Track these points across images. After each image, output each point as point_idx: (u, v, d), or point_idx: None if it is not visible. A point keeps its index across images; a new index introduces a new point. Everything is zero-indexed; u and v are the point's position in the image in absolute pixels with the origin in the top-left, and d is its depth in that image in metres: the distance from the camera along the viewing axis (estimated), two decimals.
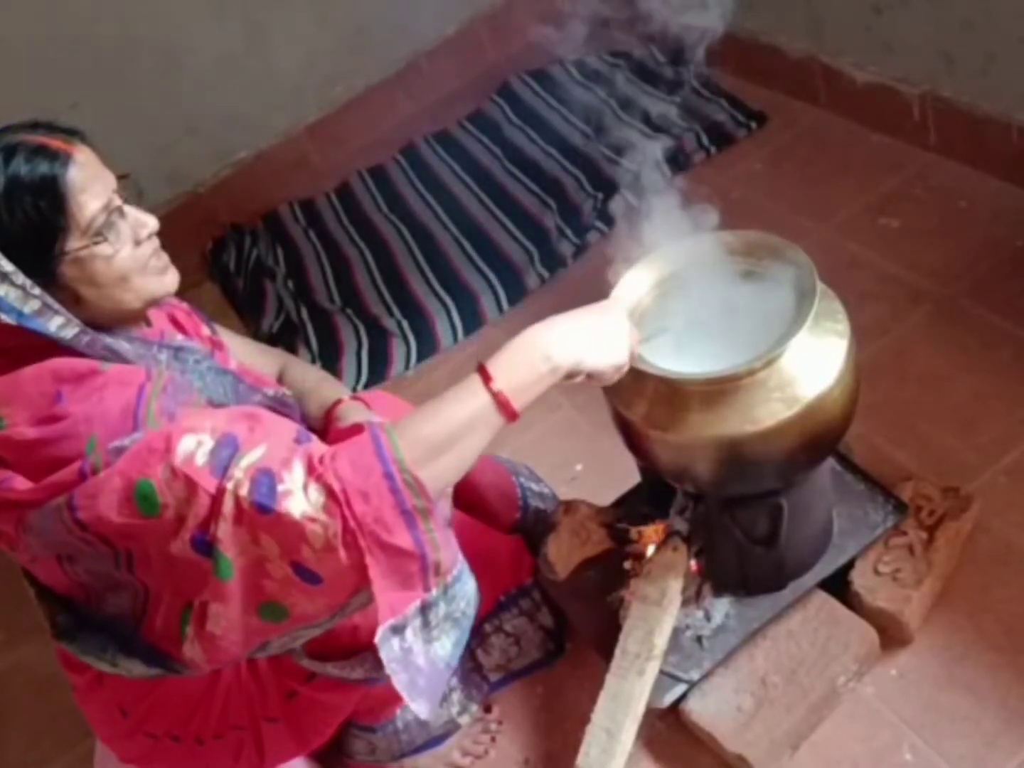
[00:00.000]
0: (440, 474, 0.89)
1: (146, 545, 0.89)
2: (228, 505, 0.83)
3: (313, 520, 0.83)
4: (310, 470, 0.84)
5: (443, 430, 0.89)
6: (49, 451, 0.88)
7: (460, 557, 0.95)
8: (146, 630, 0.96)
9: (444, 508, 0.92)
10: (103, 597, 0.97)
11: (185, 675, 0.99)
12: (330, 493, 0.83)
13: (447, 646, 0.94)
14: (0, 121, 0.95)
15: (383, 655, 0.88)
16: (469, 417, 0.90)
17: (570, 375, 0.95)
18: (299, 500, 0.83)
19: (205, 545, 0.85)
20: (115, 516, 0.85)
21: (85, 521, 0.86)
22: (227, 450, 0.85)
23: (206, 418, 0.89)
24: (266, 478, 0.84)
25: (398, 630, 0.88)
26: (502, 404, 0.90)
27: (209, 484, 0.84)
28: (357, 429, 0.97)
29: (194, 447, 0.85)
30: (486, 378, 0.91)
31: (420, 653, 0.91)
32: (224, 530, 0.84)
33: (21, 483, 0.89)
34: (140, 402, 0.89)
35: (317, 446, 0.90)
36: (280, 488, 0.83)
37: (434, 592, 0.90)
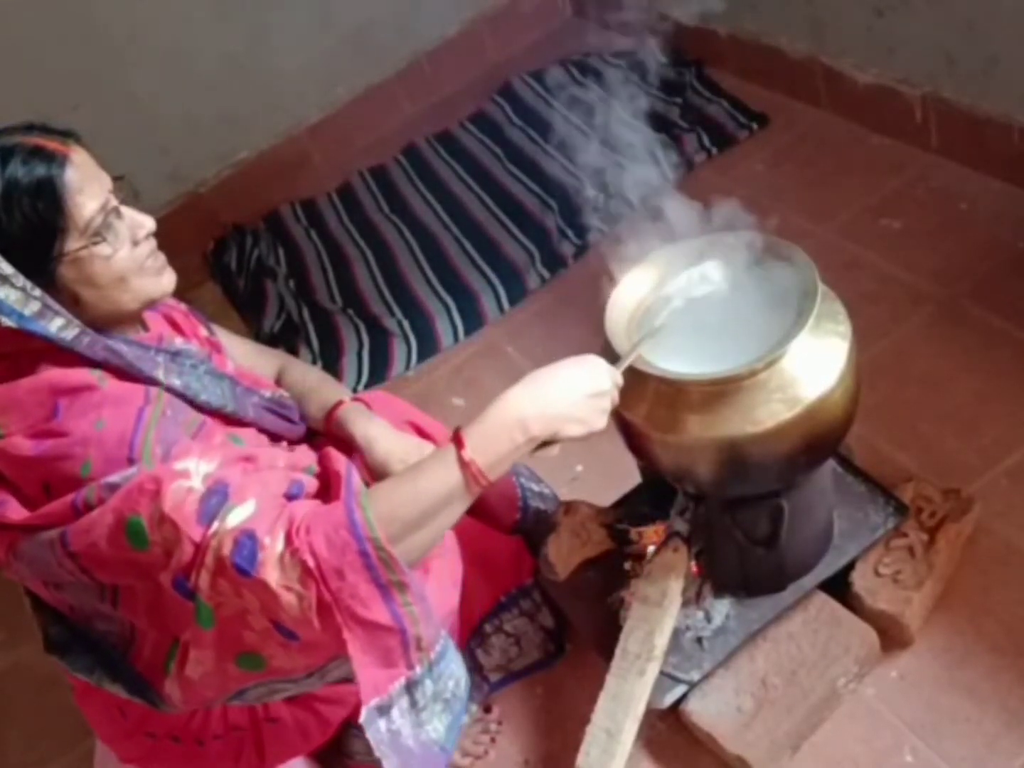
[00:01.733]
0: (415, 548, 0.90)
1: (133, 581, 0.90)
2: (210, 559, 0.85)
3: (288, 590, 0.84)
4: (288, 541, 0.85)
5: (418, 507, 0.90)
6: (45, 470, 0.89)
7: (444, 633, 0.95)
8: (135, 656, 0.98)
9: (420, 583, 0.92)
10: (90, 620, 0.99)
11: (162, 710, 1.00)
12: (305, 568, 0.84)
13: (440, 729, 0.94)
14: (2, 122, 0.95)
15: (370, 737, 0.88)
16: (444, 494, 0.91)
17: (546, 443, 0.95)
18: (275, 570, 0.84)
19: (187, 591, 0.86)
20: (107, 549, 0.87)
21: (76, 552, 0.88)
22: (216, 498, 0.86)
23: (202, 459, 0.89)
24: (249, 541, 0.84)
25: (384, 710, 0.89)
26: (476, 478, 0.91)
27: (195, 532, 0.85)
28: (336, 477, 0.98)
29: (184, 494, 0.86)
30: (466, 454, 0.90)
31: (410, 736, 0.91)
32: (205, 580, 0.85)
33: (15, 510, 0.91)
34: (138, 429, 0.90)
35: (301, 507, 0.90)
36: (260, 555, 0.84)
37: (418, 670, 0.90)
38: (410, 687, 0.91)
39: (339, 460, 1.04)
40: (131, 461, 0.88)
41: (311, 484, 0.99)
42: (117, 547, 0.87)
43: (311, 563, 0.84)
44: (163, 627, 0.93)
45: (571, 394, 0.95)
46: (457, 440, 0.91)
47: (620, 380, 1.00)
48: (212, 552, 0.85)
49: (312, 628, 0.86)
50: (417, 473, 0.93)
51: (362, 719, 0.87)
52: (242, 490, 0.88)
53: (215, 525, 0.85)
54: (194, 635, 0.90)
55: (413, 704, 0.92)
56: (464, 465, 0.90)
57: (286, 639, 0.88)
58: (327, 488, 0.99)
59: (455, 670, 0.97)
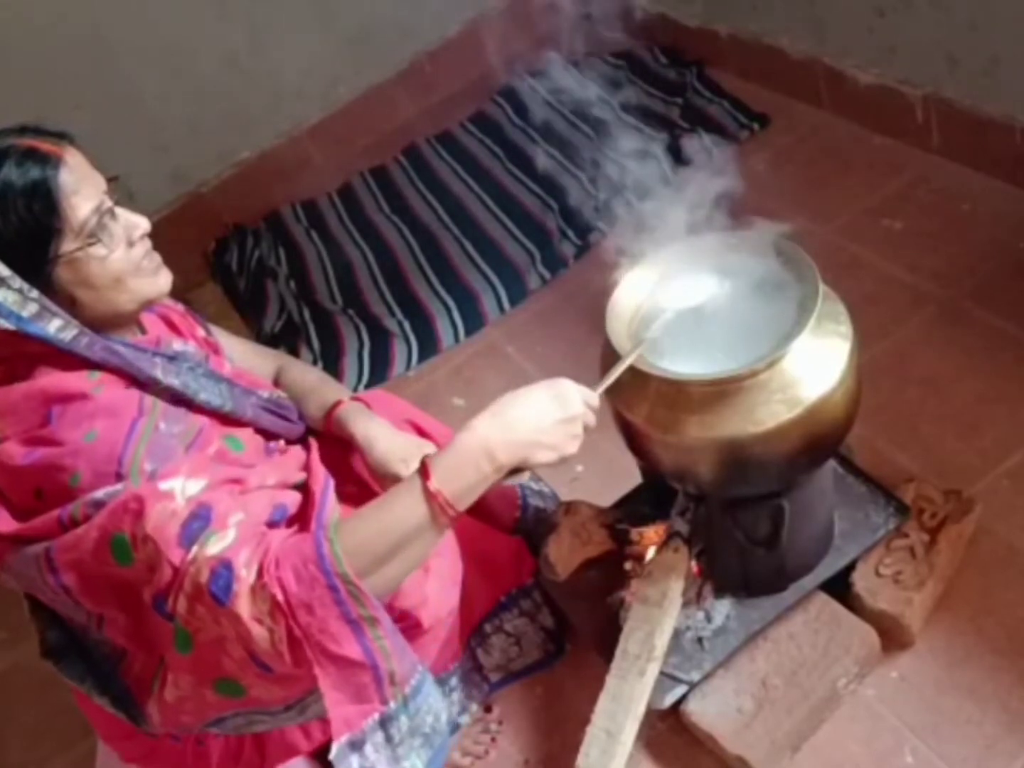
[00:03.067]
0: (385, 581, 0.90)
1: (115, 612, 0.91)
2: (188, 584, 0.85)
3: (260, 623, 0.84)
4: (259, 574, 0.85)
5: (386, 540, 0.89)
6: (36, 480, 0.90)
7: (420, 668, 0.95)
8: (126, 669, 0.99)
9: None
10: (86, 628, 0.99)
11: (142, 728, 1.00)
12: (274, 603, 0.84)
13: (419, 765, 0.93)
14: (5, 122, 0.95)
15: None
16: (412, 526, 0.89)
17: (517, 469, 0.94)
18: (248, 603, 0.84)
19: (166, 613, 0.87)
20: (92, 564, 0.87)
21: (61, 568, 0.89)
22: (198, 522, 0.86)
23: (189, 479, 0.89)
24: (225, 572, 0.84)
25: (357, 746, 0.89)
26: (443, 508, 0.89)
27: (174, 556, 0.85)
28: (312, 502, 0.97)
29: (166, 517, 0.86)
30: (432, 485, 0.89)
31: None
32: (183, 605, 0.86)
33: (4, 522, 0.91)
34: (128, 444, 0.90)
35: (277, 537, 0.90)
36: (235, 587, 0.84)
37: (392, 705, 0.90)
38: (384, 722, 0.91)
39: (318, 479, 1.03)
40: (119, 476, 0.88)
41: (295, 504, 0.99)
42: (102, 562, 0.87)
43: (280, 597, 0.84)
44: (148, 649, 0.94)
45: (539, 421, 0.92)
46: (423, 470, 0.90)
47: (595, 402, 0.97)
48: (190, 578, 0.85)
49: (284, 662, 0.86)
50: (384, 505, 0.91)
51: (333, 755, 0.87)
52: (224, 516, 0.88)
53: (194, 550, 0.85)
54: (172, 659, 0.90)
55: (388, 739, 0.91)
56: (431, 496, 0.88)
57: (261, 671, 0.88)
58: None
59: (433, 704, 0.96)
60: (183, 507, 0.87)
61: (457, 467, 0.90)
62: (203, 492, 0.89)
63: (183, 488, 0.88)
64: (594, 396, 0.97)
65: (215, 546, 0.85)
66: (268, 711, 1.01)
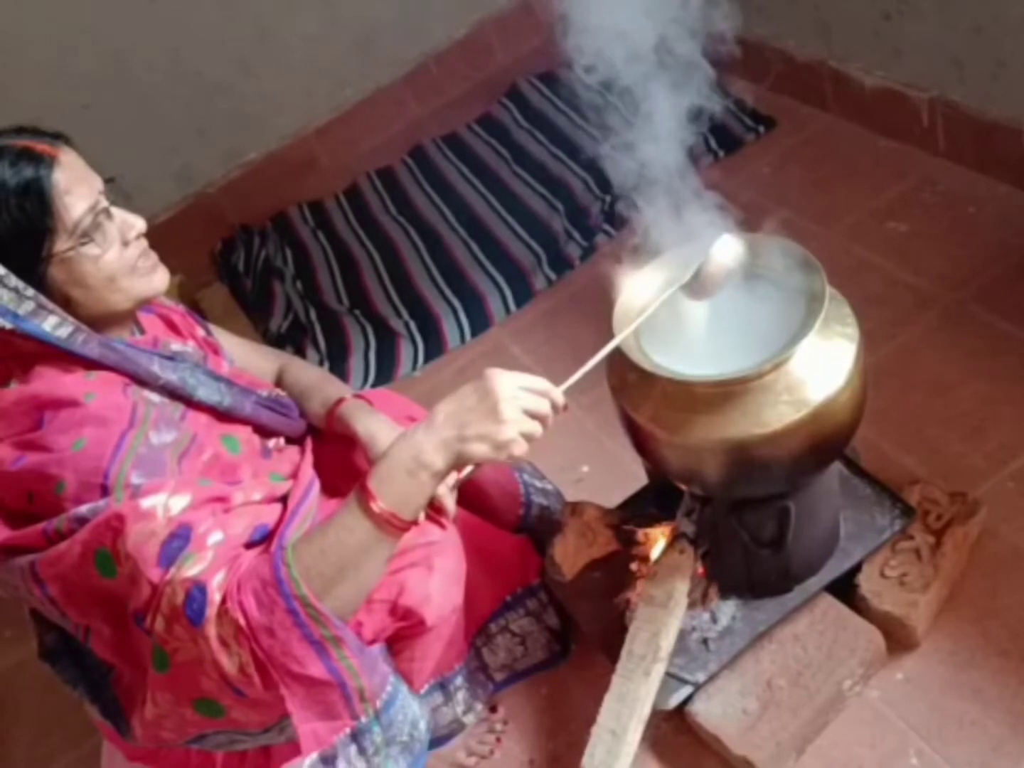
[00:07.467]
0: (343, 602, 0.90)
1: (100, 624, 0.92)
2: (165, 605, 0.86)
3: (226, 647, 0.85)
4: (225, 598, 0.86)
5: (335, 561, 0.89)
6: (26, 485, 0.91)
7: (392, 680, 0.95)
8: (116, 679, 1.00)
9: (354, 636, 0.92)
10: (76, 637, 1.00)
11: (127, 740, 1.01)
12: (237, 627, 0.85)
13: None
14: (15, 121, 0.96)
15: None
16: (359, 544, 0.89)
17: (455, 468, 0.92)
18: (215, 627, 0.85)
19: (144, 628, 0.88)
20: (76, 578, 0.88)
21: (45, 580, 0.90)
22: (177, 542, 0.87)
23: (173, 495, 0.89)
24: (199, 595, 0.85)
25: (328, 760, 0.90)
26: (388, 522, 0.89)
27: (153, 575, 0.86)
28: (281, 520, 0.97)
29: (147, 535, 0.87)
30: (371, 499, 0.88)
31: None
32: (160, 625, 0.86)
33: None
34: (115, 457, 0.90)
35: (247, 560, 0.90)
36: (208, 611, 0.85)
37: (363, 719, 0.91)
38: (356, 735, 0.91)
39: (296, 493, 1.03)
40: (104, 489, 0.89)
41: (275, 521, 0.99)
42: (86, 576, 0.88)
43: (242, 622, 0.85)
44: (134, 663, 0.94)
45: (459, 415, 0.90)
46: (364, 490, 0.89)
47: (536, 384, 0.92)
48: (167, 599, 0.86)
49: (254, 686, 0.87)
50: (331, 526, 0.91)
51: None
52: (204, 537, 0.88)
53: (171, 571, 0.86)
54: (151, 676, 0.91)
55: (362, 751, 0.92)
56: (374, 515, 0.89)
57: (236, 695, 0.89)
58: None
59: (410, 714, 0.96)
60: (163, 526, 0.87)
61: (393, 479, 0.90)
62: (185, 511, 0.89)
63: (166, 505, 0.88)
64: (536, 380, 0.93)
65: (192, 568, 0.86)
66: (248, 732, 1.01)
